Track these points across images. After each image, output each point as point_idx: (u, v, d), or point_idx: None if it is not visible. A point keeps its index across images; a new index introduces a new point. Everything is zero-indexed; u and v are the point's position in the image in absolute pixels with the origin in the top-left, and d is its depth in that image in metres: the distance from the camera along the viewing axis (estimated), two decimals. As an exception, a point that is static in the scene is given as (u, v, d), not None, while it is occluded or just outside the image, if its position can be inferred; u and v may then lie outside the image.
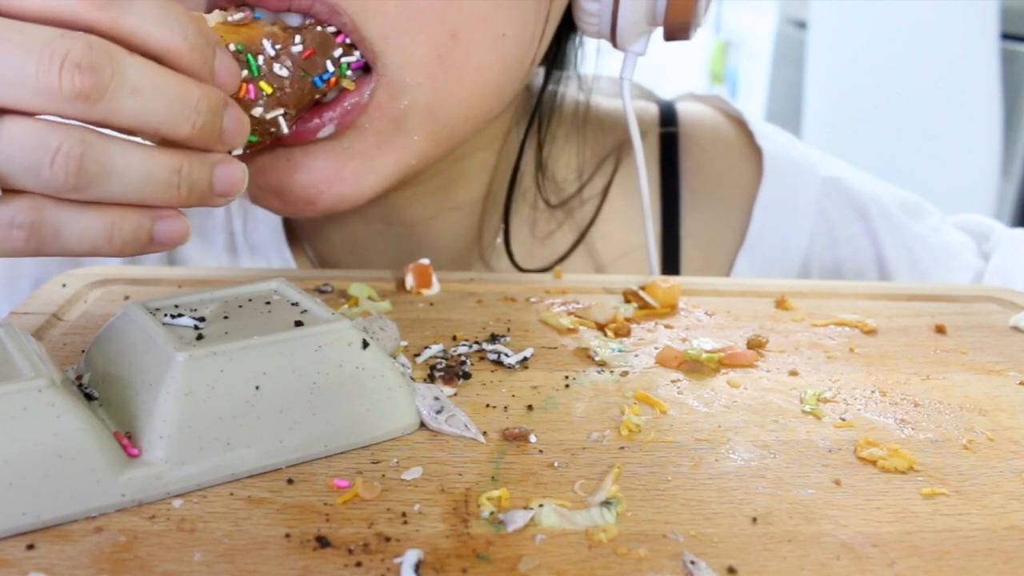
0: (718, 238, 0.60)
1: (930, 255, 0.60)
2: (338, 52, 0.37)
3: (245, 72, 0.35)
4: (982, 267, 0.59)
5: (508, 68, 0.45)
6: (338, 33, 0.38)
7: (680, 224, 0.56)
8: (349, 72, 0.37)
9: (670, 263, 0.59)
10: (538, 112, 0.56)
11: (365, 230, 0.56)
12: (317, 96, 0.37)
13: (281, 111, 0.35)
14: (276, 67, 0.35)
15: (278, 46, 0.36)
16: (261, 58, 0.35)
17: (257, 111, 0.35)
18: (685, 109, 0.63)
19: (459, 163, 0.52)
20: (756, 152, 0.60)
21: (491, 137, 0.54)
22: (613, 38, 0.46)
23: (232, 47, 0.35)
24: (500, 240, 0.57)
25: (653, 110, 0.62)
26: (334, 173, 0.44)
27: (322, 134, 0.42)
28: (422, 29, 0.41)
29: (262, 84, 0.35)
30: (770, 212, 0.59)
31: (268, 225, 0.58)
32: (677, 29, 0.46)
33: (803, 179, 0.60)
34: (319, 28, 0.37)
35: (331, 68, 0.37)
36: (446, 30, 0.41)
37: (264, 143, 0.37)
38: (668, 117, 0.62)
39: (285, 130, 0.36)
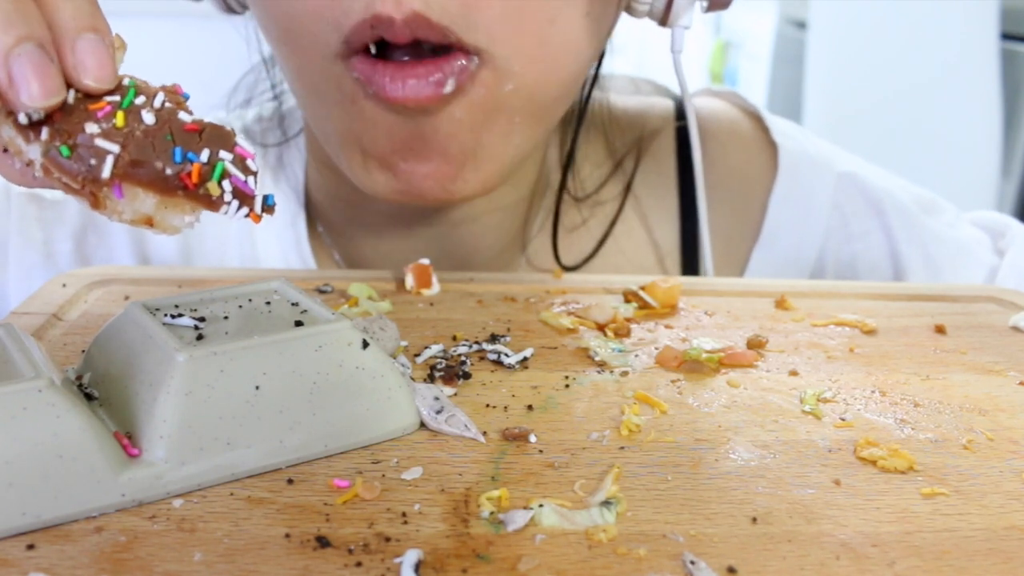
0: (735, 233, 0.60)
1: (944, 252, 0.60)
2: (227, 156, 0.30)
3: (117, 98, 0.30)
4: (997, 264, 0.59)
5: (592, 48, 0.47)
6: (244, 152, 0.31)
7: (699, 218, 0.57)
8: (225, 183, 0.30)
9: (690, 257, 0.60)
10: (584, 111, 0.57)
11: (406, 234, 0.56)
12: (163, 171, 0.29)
13: (116, 149, 0.29)
14: (146, 112, 0.30)
15: (168, 104, 0.30)
16: (142, 99, 0.30)
17: (92, 128, 0.29)
18: (701, 104, 0.63)
19: None
20: (772, 147, 0.60)
21: (544, 137, 0.55)
22: (666, 15, 0.47)
23: (126, 80, 0.30)
24: (539, 237, 0.58)
25: (669, 105, 0.63)
26: (460, 156, 0.45)
27: (447, 89, 0.42)
28: (524, 22, 0.43)
29: (119, 113, 0.29)
30: (785, 207, 0.59)
31: (292, 232, 0.57)
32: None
33: (818, 174, 0.60)
34: (228, 128, 0.31)
35: (203, 158, 0.30)
36: (545, 18, 0.43)
37: (71, 185, 0.29)
38: (684, 112, 0.62)
39: (105, 173, 0.29)
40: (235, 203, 0.30)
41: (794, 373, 0.39)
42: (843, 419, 0.35)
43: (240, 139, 0.31)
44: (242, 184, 0.30)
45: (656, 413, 0.35)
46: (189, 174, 0.29)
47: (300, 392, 0.31)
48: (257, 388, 0.30)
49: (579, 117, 0.57)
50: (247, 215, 0.31)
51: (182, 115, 0.30)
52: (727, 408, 0.35)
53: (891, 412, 0.36)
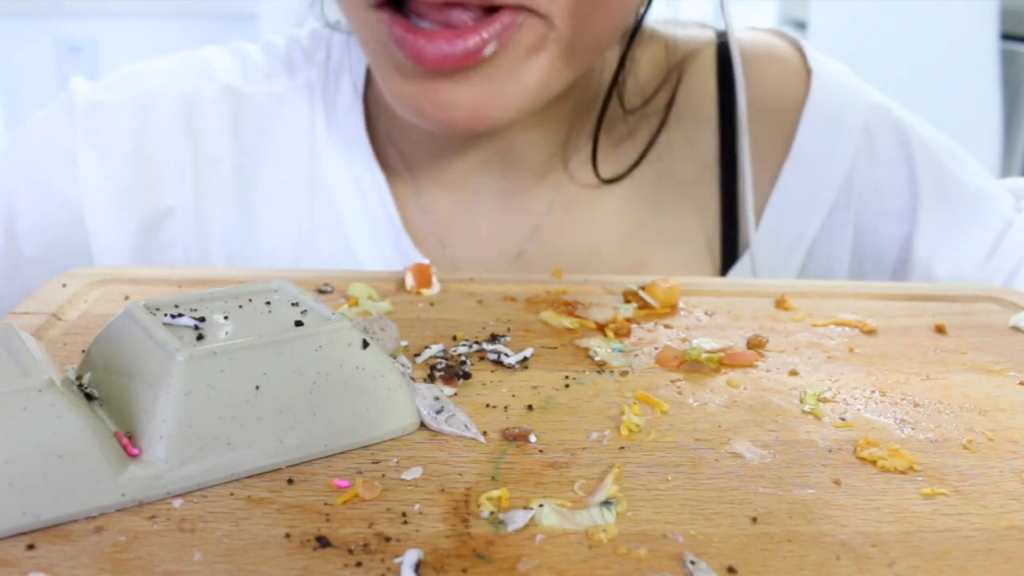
0: (768, 150, 0.62)
1: (963, 196, 0.61)
2: None
3: None
4: (1013, 220, 0.60)
5: (633, 5, 0.50)
6: None
7: (738, 137, 0.59)
8: None
9: (728, 170, 0.61)
10: (636, 34, 0.59)
11: (454, 135, 0.58)
12: None
13: None
14: None
15: None
16: None
17: None
18: (743, 34, 0.65)
19: None
20: (808, 72, 0.62)
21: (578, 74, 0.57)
22: None
23: None
24: (585, 150, 0.60)
25: (709, 33, 0.65)
26: (491, 99, 0.48)
27: (487, 52, 0.45)
28: None
29: None
30: (816, 127, 0.61)
31: (351, 128, 0.60)
32: None
33: (851, 100, 0.62)
34: None
35: None
36: None
37: None
38: (723, 38, 0.64)
39: None
40: None
41: (794, 373, 0.39)
42: (843, 419, 0.35)
43: None
44: None
45: (656, 413, 0.35)
46: None
47: (300, 392, 0.31)
48: (257, 388, 0.30)
49: (632, 35, 0.58)
50: None
51: None
52: (727, 408, 0.35)
53: (891, 412, 0.36)
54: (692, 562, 0.26)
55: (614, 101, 0.60)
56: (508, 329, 0.42)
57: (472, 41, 0.44)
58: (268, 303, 0.34)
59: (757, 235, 0.61)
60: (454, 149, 0.59)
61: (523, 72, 0.47)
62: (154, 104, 0.59)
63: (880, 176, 0.61)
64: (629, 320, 0.44)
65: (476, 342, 0.40)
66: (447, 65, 0.45)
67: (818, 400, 0.36)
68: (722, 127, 0.62)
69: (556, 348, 0.40)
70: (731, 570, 0.26)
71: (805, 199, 0.61)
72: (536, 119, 0.57)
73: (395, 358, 0.38)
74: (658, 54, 0.62)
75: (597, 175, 0.60)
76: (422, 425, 0.33)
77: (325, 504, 0.28)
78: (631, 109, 0.61)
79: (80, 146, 0.57)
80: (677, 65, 0.63)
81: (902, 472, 0.31)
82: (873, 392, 0.37)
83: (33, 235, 0.57)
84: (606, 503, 0.28)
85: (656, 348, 0.40)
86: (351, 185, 0.60)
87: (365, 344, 0.32)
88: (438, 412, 0.33)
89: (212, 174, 0.59)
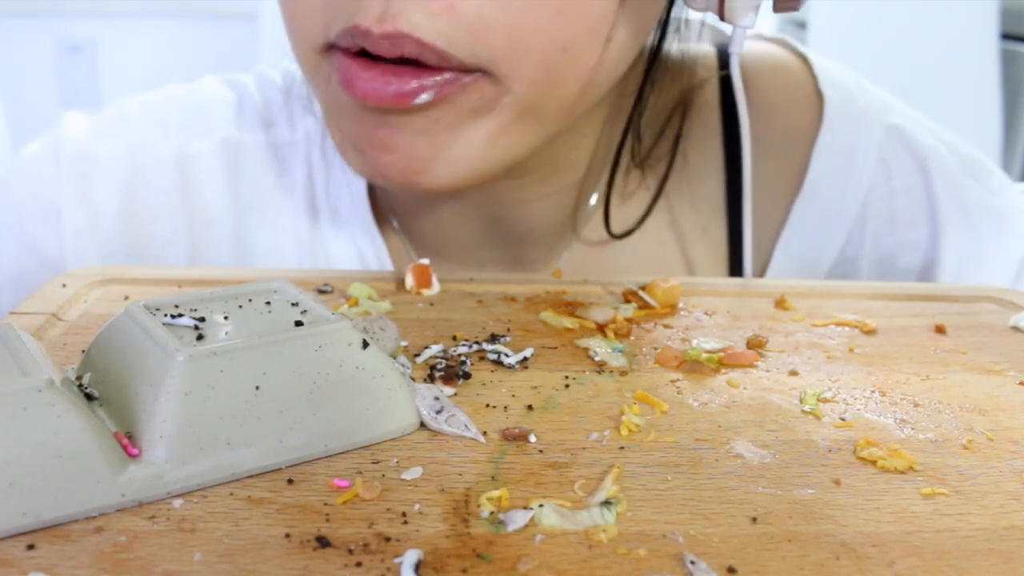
0: (777, 186, 0.58)
1: (986, 218, 0.58)
2: None
3: None
4: None
5: (612, 66, 0.45)
6: None
7: (743, 171, 0.55)
8: None
9: (734, 213, 0.58)
10: (645, 89, 0.55)
11: (457, 208, 0.55)
12: None
13: None
14: None
15: None
16: None
17: None
18: (748, 49, 0.61)
19: (563, 151, 0.52)
20: (820, 97, 0.58)
21: (594, 123, 0.54)
22: (720, 11, 0.45)
23: None
24: (597, 211, 0.57)
25: (710, 54, 0.61)
26: (429, 152, 0.43)
27: (420, 100, 0.41)
28: (533, 48, 0.41)
29: None
30: (829, 160, 0.57)
31: (351, 191, 0.57)
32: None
33: (866, 127, 0.58)
34: None
35: None
36: (556, 46, 0.41)
37: None
38: (727, 60, 0.59)
39: None
40: None
41: (794, 373, 0.39)
42: (843, 419, 0.35)
43: None
44: None
45: (656, 413, 0.35)
46: None
47: (300, 392, 0.31)
48: (257, 388, 0.30)
49: (639, 96, 0.54)
50: None
51: None
52: (727, 408, 0.35)
53: (891, 412, 0.36)
54: (692, 562, 0.26)
55: (625, 156, 0.56)
56: (508, 329, 0.42)
57: (408, 86, 0.41)
58: (268, 303, 0.34)
59: (767, 276, 0.58)
60: (455, 223, 0.56)
61: (464, 132, 0.43)
62: (145, 160, 0.55)
63: (896, 205, 0.58)
64: (629, 320, 0.44)
65: (476, 342, 0.40)
66: (374, 100, 0.41)
67: (818, 400, 0.36)
68: (728, 165, 0.58)
69: (556, 348, 0.40)
70: (731, 570, 0.26)
71: (817, 236, 0.58)
72: (545, 192, 0.54)
73: (395, 358, 0.38)
74: (663, 89, 0.58)
75: (609, 232, 0.56)
76: (422, 425, 0.33)
77: (325, 504, 0.28)
78: (639, 163, 0.57)
79: (65, 202, 0.54)
80: (680, 102, 0.58)
81: (902, 472, 0.31)
82: (873, 392, 0.37)
83: (8, 291, 0.54)
84: (606, 503, 0.28)
85: (656, 348, 0.40)
86: (352, 254, 0.57)
87: (365, 344, 0.32)
88: (438, 412, 0.33)
89: (207, 238, 0.56)
